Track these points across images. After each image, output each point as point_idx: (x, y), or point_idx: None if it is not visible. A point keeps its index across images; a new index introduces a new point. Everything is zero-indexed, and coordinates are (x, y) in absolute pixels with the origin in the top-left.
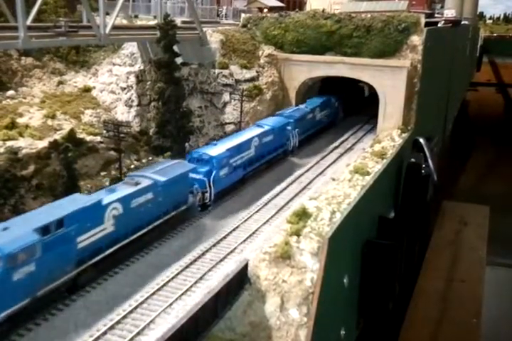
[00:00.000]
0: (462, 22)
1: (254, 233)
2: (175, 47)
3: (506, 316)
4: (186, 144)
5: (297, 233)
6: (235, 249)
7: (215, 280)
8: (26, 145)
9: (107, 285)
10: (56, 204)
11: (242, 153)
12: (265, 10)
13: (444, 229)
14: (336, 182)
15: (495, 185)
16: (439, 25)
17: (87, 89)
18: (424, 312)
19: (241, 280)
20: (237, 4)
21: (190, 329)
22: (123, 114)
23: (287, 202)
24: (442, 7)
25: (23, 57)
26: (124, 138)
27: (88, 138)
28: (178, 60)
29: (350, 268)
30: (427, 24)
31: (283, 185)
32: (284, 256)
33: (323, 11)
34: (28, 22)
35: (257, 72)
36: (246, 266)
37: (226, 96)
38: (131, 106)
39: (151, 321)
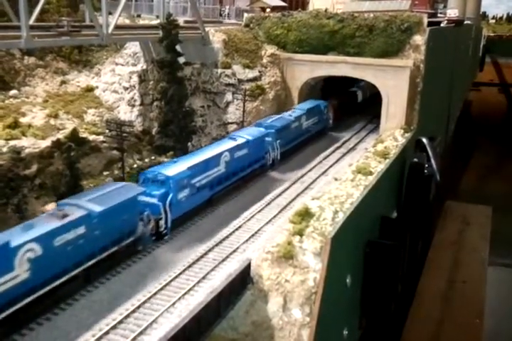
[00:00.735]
0: (465, 22)
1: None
2: (177, 47)
3: (509, 316)
4: (189, 144)
5: (300, 233)
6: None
7: (218, 280)
8: (29, 144)
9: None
10: None
11: (208, 170)
12: (268, 9)
13: (446, 229)
14: (339, 182)
15: (497, 185)
16: (441, 25)
17: (90, 89)
18: (427, 313)
19: (243, 279)
20: (239, 4)
21: (192, 328)
22: (126, 113)
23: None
24: (445, 7)
25: (26, 57)
26: (126, 137)
27: (91, 137)
28: (181, 60)
29: (352, 268)
30: (429, 24)
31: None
32: (287, 255)
33: (325, 10)
34: (31, 21)
35: (259, 71)
36: (248, 266)
37: (229, 96)
38: (133, 106)
39: (154, 321)
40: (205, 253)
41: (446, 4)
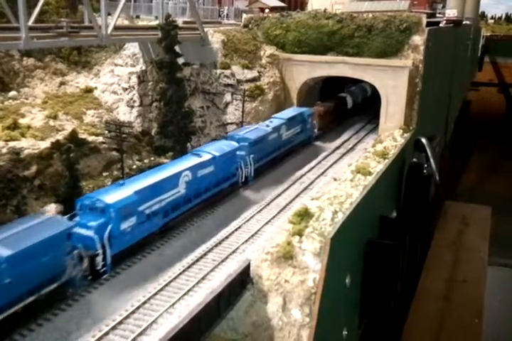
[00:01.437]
0: (464, 22)
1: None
2: (176, 48)
3: (508, 316)
4: (188, 144)
5: (299, 233)
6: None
7: (217, 281)
8: (28, 145)
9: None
10: None
11: (162, 194)
12: (266, 10)
13: (445, 229)
14: (338, 182)
15: (496, 185)
16: (440, 25)
17: (89, 90)
18: (426, 312)
19: (243, 280)
20: (238, 4)
21: (192, 329)
22: (125, 114)
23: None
24: (444, 7)
25: (25, 58)
26: (126, 138)
27: (90, 138)
28: (180, 61)
29: (352, 268)
30: (428, 24)
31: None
32: (286, 256)
33: (324, 10)
34: (30, 23)
35: (258, 72)
36: (248, 266)
37: (228, 97)
38: (133, 107)
39: (154, 321)
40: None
41: (445, 4)
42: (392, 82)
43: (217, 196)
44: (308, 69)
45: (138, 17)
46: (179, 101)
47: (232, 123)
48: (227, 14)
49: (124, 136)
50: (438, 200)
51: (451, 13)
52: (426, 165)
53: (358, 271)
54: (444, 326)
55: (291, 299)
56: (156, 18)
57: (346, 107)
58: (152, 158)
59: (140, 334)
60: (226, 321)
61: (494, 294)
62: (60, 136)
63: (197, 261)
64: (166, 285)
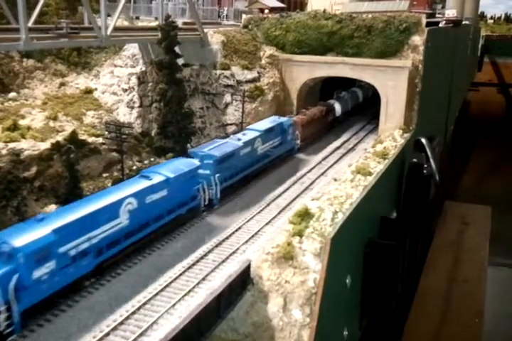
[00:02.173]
0: (463, 22)
1: None
2: (176, 49)
3: (508, 316)
4: (188, 145)
5: (299, 233)
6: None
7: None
8: (28, 146)
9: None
10: None
11: (94, 228)
12: (266, 11)
13: (446, 229)
14: (338, 182)
15: (496, 185)
16: (440, 25)
17: (89, 91)
18: (427, 312)
19: (243, 280)
20: (238, 5)
21: (192, 330)
22: (125, 115)
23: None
24: (443, 7)
25: (25, 59)
26: (126, 139)
27: (90, 139)
28: (180, 61)
29: (352, 269)
30: (428, 24)
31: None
32: (287, 256)
33: (324, 11)
34: (30, 24)
35: (258, 72)
36: (248, 267)
37: (228, 97)
38: (132, 108)
39: (154, 322)
40: None
41: (445, 4)
42: (391, 82)
43: (171, 224)
44: (308, 69)
45: (138, 18)
46: (179, 102)
47: (232, 124)
48: (226, 15)
49: (124, 136)
50: (438, 200)
51: (451, 13)
52: (426, 165)
53: (358, 271)
54: (444, 325)
55: (292, 299)
56: (156, 19)
57: (334, 115)
58: (152, 159)
59: (140, 334)
60: (226, 321)
61: (495, 294)
62: (60, 137)
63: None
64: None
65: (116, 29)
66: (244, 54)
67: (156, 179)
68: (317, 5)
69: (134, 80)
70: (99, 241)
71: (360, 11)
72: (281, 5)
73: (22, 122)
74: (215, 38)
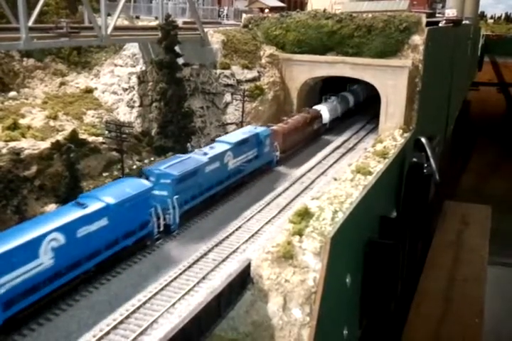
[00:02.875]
0: (463, 21)
1: None
2: (176, 48)
3: (508, 316)
4: (188, 144)
5: (299, 233)
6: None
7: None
8: (28, 146)
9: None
10: None
11: (4, 273)
12: (266, 10)
13: (445, 229)
14: (338, 181)
15: (496, 185)
16: (440, 24)
17: (89, 90)
18: (427, 312)
19: (243, 279)
20: (238, 5)
21: (193, 329)
22: (125, 114)
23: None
24: (443, 7)
25: (25, 59)
26: (126, 138)
27: (90, 138)
28: (180, 61)
29: (352, 268)
30: (428, 24)
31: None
32: (287, 255)
33: (324, 10)
34: (30, 23)
35: (258, 72)
36: (248, 266)
37: (228, 97)
38: (133, 107)
39: (154, 321)
40: None
41: (445, 4)
42: (391, 81)
43: (111, 261)
44: (308, 69)
45: (138, 17)
46: (179, 102)
47: (232, 124)
48: (226, 14)
49: (124, 136)
50: (438, 200)
51: (451, 12)
52: (426, 165)
53: (358, 270)
54: (444, 325)
55: (292, 298)
56: (156, 18)
57: (321, 123)
58: (152, 159)
59: (141, 333)
60: (226, 320)
61: (495, 293)
62: (60, 137)
63: None
64: None
65: (116, 28)
66: (244, 53)
67: (93, 207)
68: (317, 4)
69: (134, 80)
70: (7, 291)
71: (360, 10)
72: (282, 4)
73: (22, 121)
74: (215, 38)
